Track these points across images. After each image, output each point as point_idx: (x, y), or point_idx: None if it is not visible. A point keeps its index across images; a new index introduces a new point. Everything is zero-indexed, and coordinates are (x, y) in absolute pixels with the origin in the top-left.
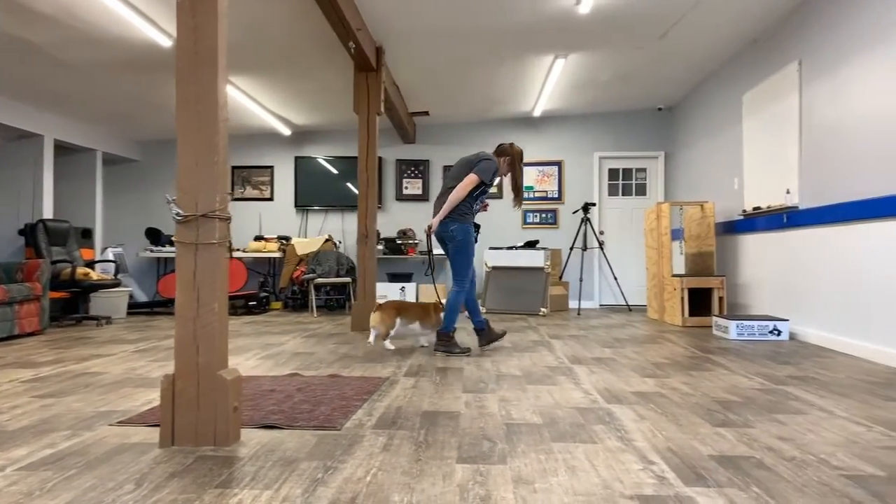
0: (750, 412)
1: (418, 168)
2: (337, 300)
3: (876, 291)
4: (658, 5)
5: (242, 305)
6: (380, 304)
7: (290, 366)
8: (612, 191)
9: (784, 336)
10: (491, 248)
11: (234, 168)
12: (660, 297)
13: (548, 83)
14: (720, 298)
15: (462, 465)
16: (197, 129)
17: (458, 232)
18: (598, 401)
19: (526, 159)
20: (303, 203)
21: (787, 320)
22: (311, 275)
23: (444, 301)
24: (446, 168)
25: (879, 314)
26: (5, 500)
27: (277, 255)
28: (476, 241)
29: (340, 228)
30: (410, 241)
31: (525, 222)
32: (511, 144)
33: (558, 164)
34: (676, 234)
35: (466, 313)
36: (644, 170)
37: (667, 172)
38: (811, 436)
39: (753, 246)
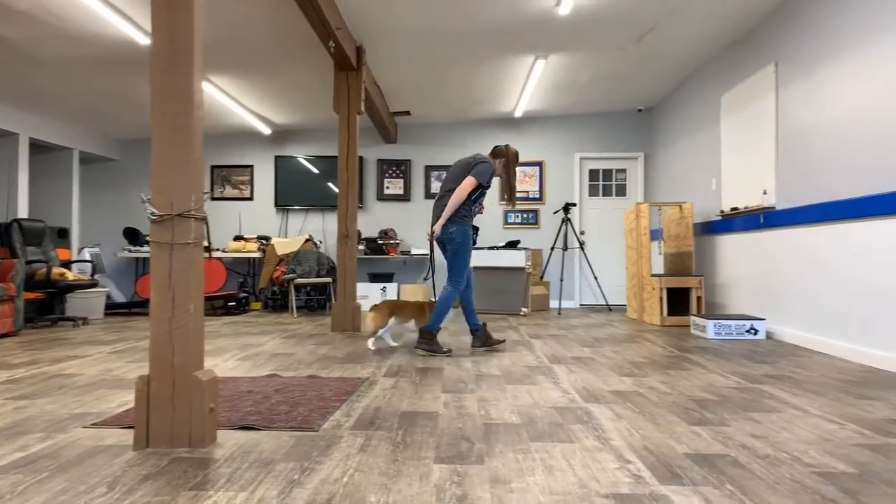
0: (726, 411)
1: (400, 168)
2: (317, 300)
3: (850, 291)
4: (637, 8)
5: (221, 306)
6: (375, 304)
7: (269, 367)
8: (593, 191)
9: (761, 335)
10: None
11: (213, 167)
12: (639, 297)
13: (529, 84)
14: (698, 298)
15: (439, 466)
16: (172, 127)
17: (457, 234)
18: (577, 400)
19: None
20: (283, 203)
21: (763, 320)
22: (291, 275)
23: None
24: (428, 168)
25: (853, 313)
26: None
27: (257, 255)
28: (475, 243)
29: (321, 228)
30: (392, 241)
31: (506, 222)
32: (506, 146)
33: (539, 164)
34: (655, 235)
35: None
36: (624, 170)
37: (646, 173)
38: (785, 434)
39: (731, 246)
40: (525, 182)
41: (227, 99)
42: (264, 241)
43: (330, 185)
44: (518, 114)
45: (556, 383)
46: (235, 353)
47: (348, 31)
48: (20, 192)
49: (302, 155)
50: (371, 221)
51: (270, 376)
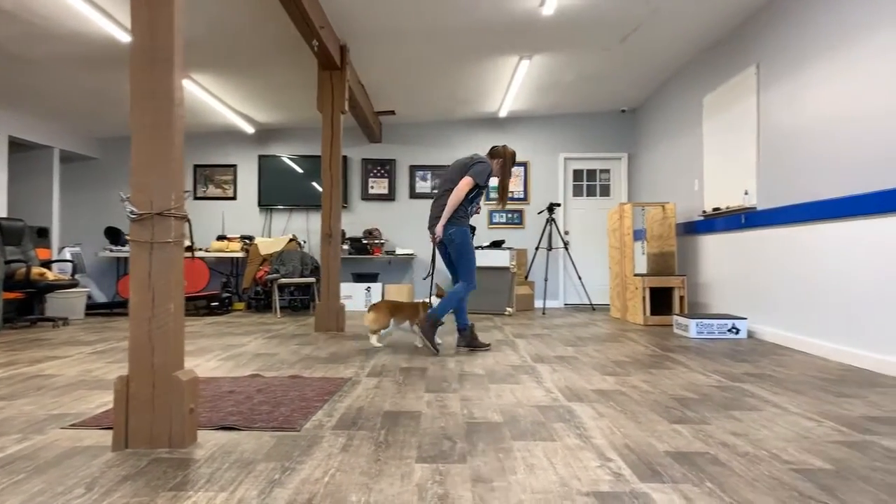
0: (707, 409)
1: (384, 167)
2: (301, 301)
3: (830, 290)
4: (621, 8)
5: (204, 306)
6: (374, 304)
7: (252, 367)
8: (577, 191)
9: (742, 334)
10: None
11: (196, 166)
12: (622, 297)
13: (513, 84)
14: (681, 298)
15: (421, 465)
16: (152, 125)
17: (456, 235)
18: (559, 399)
19: None
20: (266, 202)
21: (745, 319)
22: (274, 275)
23: (435, 299)
24: (413, 168)
25: (833, 312)
26: None
27: (240, 254)
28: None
29: (305, 228)
30: (376, 241)
31: (491, 222)
32: (504, 146)
33: (524, 164)
34: (639, 235)
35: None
36: (608, 171)
37: (630, 173)
38: (765, 431)
39: (713, 246)
40: (510, 182)
41: (210, 97)
42: (248, 241)
43: (314, 184)
44: (503, 114)
45: (539, 382)
46: (218, 354)
47: (332, 30)
48: None
49: (286, 154)
50: (355, 221)
51: (253, 376)
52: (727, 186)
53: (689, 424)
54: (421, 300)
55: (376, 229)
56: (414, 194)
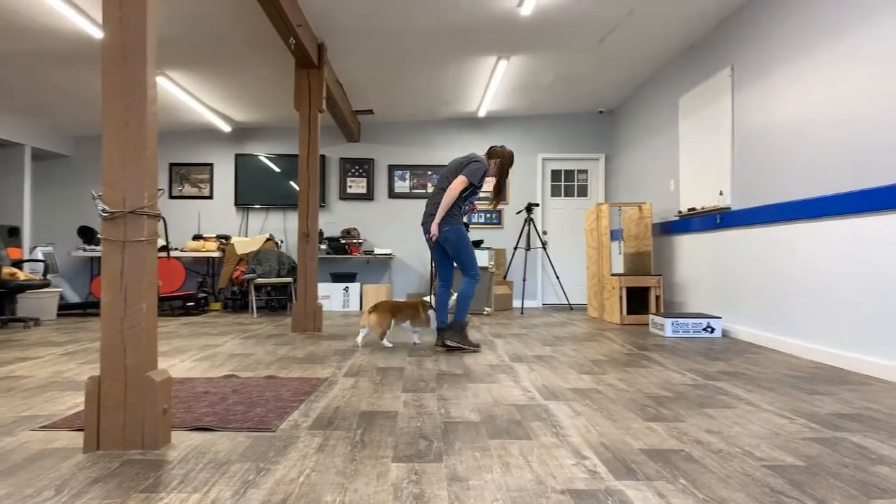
0: (681, 407)
1: (363, 167)
2: (278, 301)
3: (802, 290)
4: (598, 9)
5: (180, 306)
6: (375, 306)
7: (227, 367)
8: (555, 192)
9: (717, 333)
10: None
11: (171, 165)
12: (599, 296)
13: (492, 84)
14: (657, 297)
15: (397, 465)
16: (124, 123)
17: (450, 233)
18: (536, 398)
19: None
20: (243, 201)
21: (719, 318)
22: (251, 275)
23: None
24: (392, 168)
25: (803, 311)
26: None
27: (217, 254)
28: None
29: (282, 227)
30: (354, 241)
31: (470, 222)
32: (502, 147)
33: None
34: (616, 235)
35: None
36: (585, 171)
37: (607, 174)
38: (738, 429)
39: (689, 246)
40: (489, 182)
41: (185, 95)
42: (224, 241)
43: (291, 183)
44: (482, 114)
45: (516, 381)
46: (193, 354)
47: (309, 28)
48: None
49: (263, 153)
50: (333, 221)
51: (228, 377)
52: (702, 187)
53: (664, 422)
54: (421, 300)
55: (354, 229)
56: (393, 194)
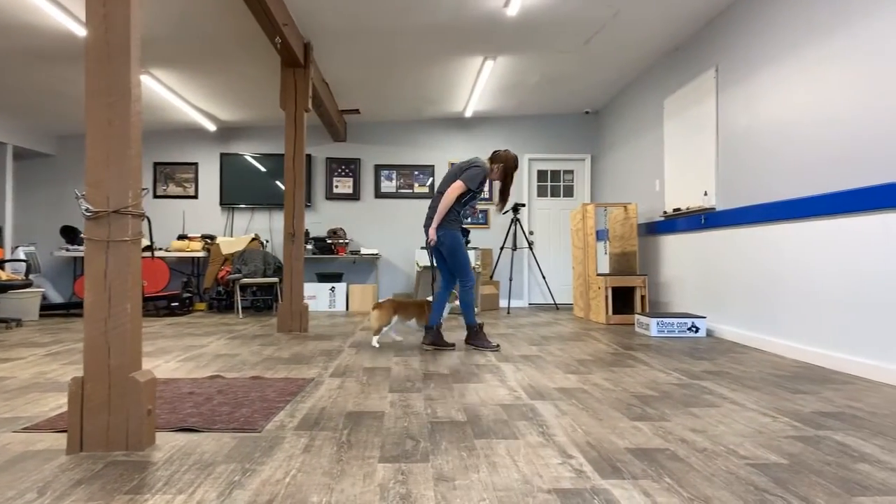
0: (666, 406)
1: (349, 167)
2: (264, 301)
3: (785, 290)
4: (584, 10)
5: (164, 306)
6: (379, 303)
7: (212, 368)
8: (541, 192)
9: (702, 333)
10: (423, 248)
11: (156, 164)
12: (585, 296)
13: (478, 84)
14: (642, 297)
15: (384, 465)
16: (108, 121)
17: (445, 237)
18: (522, 397)
19: (457, 160)
20: (228, 201)
21: (704, 318)
22: (236, 275)
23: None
24: (378, 168)
25: (787, 311)
26: None
27: (202, 254)
28: (468, 244)
29: (268, 227)
30: (341, 241)
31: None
32: (506, 151)
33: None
34: (601, 235)
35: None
36: (571, 172)
37: (593, 174)
38: (722, 427)
39: (674, 246)
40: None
41: (170, 94)
42: (209, 241)
43: (277, 183)
44: (468, 114)
45: (503, 381)
46: (178, 355)
47: (295, 27)
48: None
49: (248, 152)
50: (320, 221)
51: (213, 377)
52: (687, 187)
53: (650, 421)
54: (425, 300)
55: (340, 229)
56: (379, 194)
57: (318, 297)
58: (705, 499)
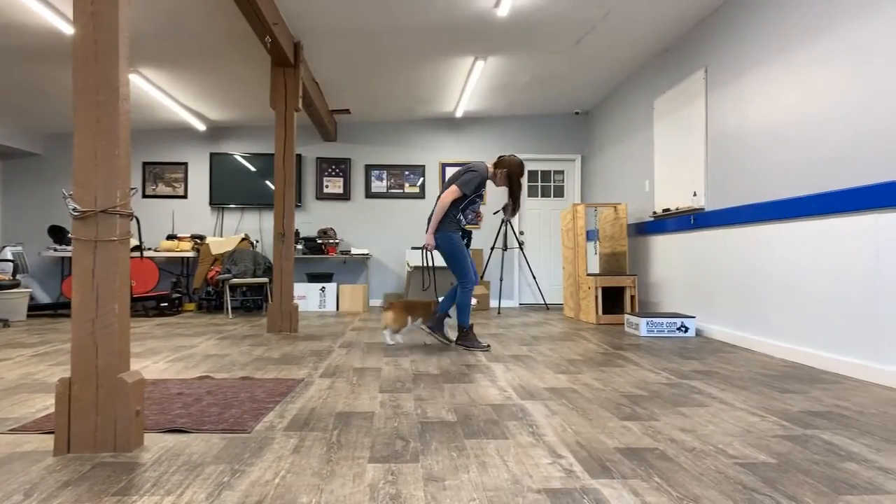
0: (656, 406)
1: (339, 167)
2: (254, 301)
3: (773, 290)
4: (575, 11)
5: (154, 307)
6: (392, 304)
7: (201, 368)
8: (532, 192)
9: (691, 332)
10: (413, 248)
11: (145, 164)
12: (575, 296)
13: (469, 85)
14: (632, 297)
15: (374, 465)
16: (96, 120)
17: (441, 241)
18: (513, 397)
19: (448, 160)
20: (218, 201)
21: (693, 317)
22: (226, 275)
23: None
24: (369, 167)
25: (776, 311)
26: None
27: (191, 254)
28: (469, 246)
29: (258, 227)
30: (331, 241)
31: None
32: (511, 156)
33: None
34: (591, 235)
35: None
36: (562, 172)
37: (583, 175)
38: (711, 427)
39: (663, 246)
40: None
41: (159, 93)
42: (199, 240)
43: (267, 183)
44: (459, 114)
45: (493, 381)
46: (167, 355)
47: (285, 27)
48: None
49: (238, 152)
50: (310, 220)
51: (202, 378)
52: (677, 188)
53: (639, 421)
54: (432, 300)
55: (331, 229)
56: (369, 194)
57: (309, 297)
58: (694, 498)
